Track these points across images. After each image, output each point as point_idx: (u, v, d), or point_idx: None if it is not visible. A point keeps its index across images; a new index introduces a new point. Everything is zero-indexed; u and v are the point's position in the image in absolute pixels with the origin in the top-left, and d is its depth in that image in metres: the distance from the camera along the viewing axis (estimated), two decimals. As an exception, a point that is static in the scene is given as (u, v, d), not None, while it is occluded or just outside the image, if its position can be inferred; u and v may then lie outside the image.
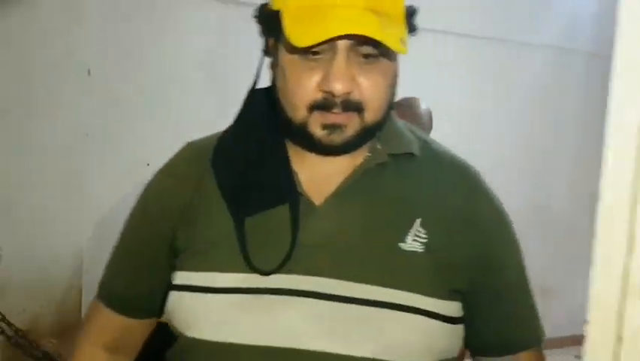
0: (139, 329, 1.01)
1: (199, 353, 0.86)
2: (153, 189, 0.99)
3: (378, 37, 0.76)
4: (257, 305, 0.84)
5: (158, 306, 0.94)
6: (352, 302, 0.83)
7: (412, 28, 0.86)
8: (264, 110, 0.91)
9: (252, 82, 0.92)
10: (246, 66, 1.08)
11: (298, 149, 0.89)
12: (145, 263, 0.97)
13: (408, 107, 1.97)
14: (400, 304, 0.83)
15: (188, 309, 0.87)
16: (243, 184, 0.88)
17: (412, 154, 0.90)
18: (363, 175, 0.88)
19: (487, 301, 0.91)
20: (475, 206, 0.92)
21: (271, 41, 0.87)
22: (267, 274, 0.83)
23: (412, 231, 0.86)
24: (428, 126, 2.08)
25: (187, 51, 2.88)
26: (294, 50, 0.80)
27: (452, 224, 0.89)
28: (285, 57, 0.83)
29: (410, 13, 0.85)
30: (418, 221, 0.87)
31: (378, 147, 0.89)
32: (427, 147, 0.94)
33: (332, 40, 0.78)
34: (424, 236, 0.87)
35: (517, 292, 0.96)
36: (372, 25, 0.77)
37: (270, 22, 0.84)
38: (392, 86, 0.86)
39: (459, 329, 0.89)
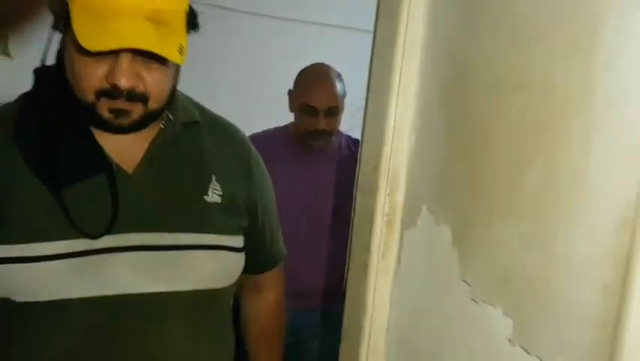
0: None
1: (36, 314, 0.93)
2: None
3: (156, 51, 0.86)
4: (88, 265, 0.93)
5: None
6: (170, 249, 0.98)
7: (193, 27, 0.95)
8: (57, 87, 0.96)
9: (41, 58, 0.98)
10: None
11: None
12: None
13: (320, 72, 2.01)
14: (208, 245, 1.02)
15: (25, 276, 0.91)
16: (53, 158, 0.93)
17: (197, 121, 1.07)
18: (163, 144, 1.01)
19: (255, 233, 1.14)
20: (247, 161, 1.14)
21: (62, 27, 0.93)
22: (96, 237, 0.92)
23: (211, 186, 1.04)
24: (342, 91, 2.04)
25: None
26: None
27: (235, 177, 1.09)
28: (73, 46, 0.89)
29: (191, 18, 0.94)
30: (214, 177, 1.05)
31: (171, 117, 1.01)
32: (204, 113, 1.11)
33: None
34: (219, 189, 1.05)
35: (273, 224, 1.22)
36: (152, 38, 0.86)
37: (59, 8, 0.90)
38: (174, 78, 0.98)
39: (243, 256, 1.11)
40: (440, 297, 0.76)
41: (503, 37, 0.67)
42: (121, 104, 0.93)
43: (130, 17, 0.87)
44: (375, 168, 0.83)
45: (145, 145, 1.01)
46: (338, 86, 2.01)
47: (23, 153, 0.94)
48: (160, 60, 0.91)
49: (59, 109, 0.97)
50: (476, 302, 0.69)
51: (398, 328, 0.83)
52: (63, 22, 0.93)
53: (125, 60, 0.89)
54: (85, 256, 0.94)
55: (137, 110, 0.94)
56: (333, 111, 1.98)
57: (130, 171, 1.00)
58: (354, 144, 2.10)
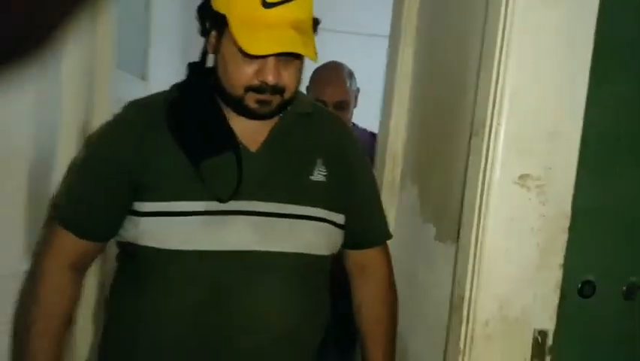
0: (95, 250, 1.20)
1: (172, 260, 1.11)
2: (119, 132, 1.18)
3: (304, 53, 1.05)
4: (216, 223, 1.11)
5: (113, 232, 1.17)
6: (280, 217, 1.14)
7: (315, 32, 1.14)
8: (204, 81, 1.17)
9: (199, 58, 1.17)
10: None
11: (231, 111, 1.16)
12: (104, 197, 1.15)
13: (332, 70, 2.17)
14: (310, 216, 1.16)
15: (165, 228, 1.10)
16: (195, 137, 1.13)
17: (309, 113, 1.22)
18: (279, 130, 1.18)
19: (355, 211, 1.24)
20: (349, 148, 1.27)
21: (214, 33, 1.11)
22: (224, 201, 1.10)
23: (317, 168, 1.20)
24: (354, 85, 2.19)
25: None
26: (234, 46, 1.06)
27: (338, 161, 1.22)
28: (227, 49, 1.08)
29: (315, 26, 1.13)
30: (320, 160, 1.20)
31: (289, 109, 1.18)
32: (315, 106, 1.28)
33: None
34: (324, 171, 1.20)
35: (373, 205, 1.31)
36: (299, 43, 1.05)
37: (216, 20, 1.09)
38: (301, 75, 1.15)
39: (342, 232, 1.23)
40: (412, 233, 1.26)
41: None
42: (266, 97, 1.10)
43: (280, 27, 1.05)
44: (384, 152, 1.32)
45: (266, 130, 1.18)
46: (348, 82, 2.15)
47: (172, 132, 1.13)
48: (296, 59, 1.09)
49: (203, 98, 1.17)
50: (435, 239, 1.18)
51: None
52: (216, 32, 1.11)
53: (272, 61, 1.07)
54: (214, 215, 1.11)
55: (276, 101, 1.11)
56: (342, 105, 2.12)
57: (253, 150, 1.17)
58: (370, 138, 2.23)
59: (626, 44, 1.06)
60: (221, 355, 1.13)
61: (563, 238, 1.03)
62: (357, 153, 1.28)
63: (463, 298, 1.06)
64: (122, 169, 1.13)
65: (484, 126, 1.03)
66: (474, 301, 1.04)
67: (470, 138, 1.08)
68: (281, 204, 1.14)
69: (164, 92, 1.20)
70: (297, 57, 1.09)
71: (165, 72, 2.36)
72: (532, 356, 1.05)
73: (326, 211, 1.18)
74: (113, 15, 1.52)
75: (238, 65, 1.08)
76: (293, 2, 1.07)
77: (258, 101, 1.10)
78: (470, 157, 1.08)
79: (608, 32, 1.03)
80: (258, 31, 1.04)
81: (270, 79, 1.07)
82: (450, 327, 1.12)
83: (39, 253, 1.21)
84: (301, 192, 1.16)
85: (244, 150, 1.14)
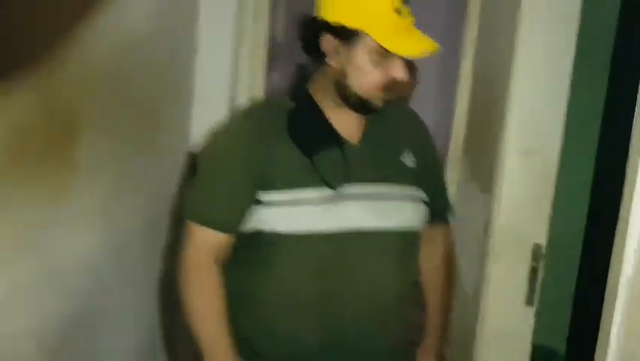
0: (230, 242, 1.29)
1: (294, 241, 1.24)
2: (243, 134, 1.29)
3: (436, 51, 1.20)
4: (330, 207, 1.24)
5: (243, 223, 1.26)
6: (385, 197, 1.29)
7: None
8: (307, 88, 1.30)
9: (301, 72, 1.32)
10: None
11: (332, 107, 1.27)
12: (239, 191, 1.25)
13: None
14: (409, 195, 1.32)
15: (286, 214, 1.23)
16: (308, 137, 1.27)
17: (390, 107, 1.31)
18: (370, 125, 1.33)
19: (432, 190, 1.40)
20: (426, 137, 1.45)
21: (340, 46, 1.21)
22: (335, 188, 1.23)
23: (406, 152, 1.36)
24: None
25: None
26: (367, 52, 1.18)
27: (421, 149, 1.39)
28: (360, 57, 1.20)
29: None
30: (409, 149, 1.36)
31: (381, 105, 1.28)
32: (394, 101, 1.35)
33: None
34: (413, 158, 1.36)
35: (442, 185, 1.52)
36: (434, 43, 1.20)
37: (347, 35, 1.19)
38: None
39: (427, 208, 1.39)
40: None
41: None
42: (391, 94, 1.23)
43: (411, 29, 1.19)
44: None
45: (361, 125, 1.31)
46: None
47: (290, 132, 1.26)
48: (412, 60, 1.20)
49: (311, 106, 1.28)
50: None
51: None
52: (344, 46, 1.20)
53: (402, 60, 1.19)
54: (328, 201, 1.23)
55: (392, 97, 1.25)
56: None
57: (354, 143, 1.29)
58: None
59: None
60: (342, 315, 1.27)
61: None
62: (431, 141, 1.46)
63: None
64: (250, 164, 1.25)
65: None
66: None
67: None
68: (383, 185, 1.29)
69: (283, 99, 1.33)
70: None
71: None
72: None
73: (420, 191, 1.34)
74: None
75: (371, 68, 1.21)
76: (407, 5, 1.21)
77: (385, 101, 1.25)
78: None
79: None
80: (400, 35, 1.18)
81: (400, 75, 1.21)
82: (485, 244, 1.65)
83: (184, 255, 1.27)
84: (400, 176, 1.32)
85: (346, 143, 1.29)
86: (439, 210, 1.46)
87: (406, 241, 1.32)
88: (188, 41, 1.74)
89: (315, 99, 1.29)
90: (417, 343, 1.51)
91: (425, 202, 1.37)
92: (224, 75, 1.80)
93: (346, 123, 1.30)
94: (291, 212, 1.24)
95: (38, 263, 1.13)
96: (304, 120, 1.27)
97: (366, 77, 1.22)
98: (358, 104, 1.26)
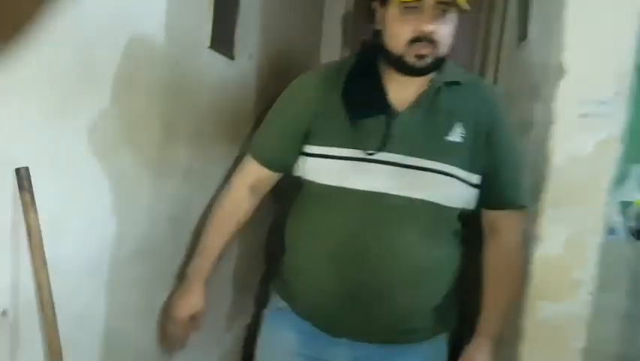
0: (271, 178, 1.45)
1: (326, 192, 1.32)
2: (302, 84, 1.41)
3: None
4: (360, 168, 1.29)
5: (292, 165, 1.39)
6: (417, 169, 1.29)
7: None
8: (372, 54, 1.36)
9: (371, 37, 1.36)
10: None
11: (390, 73, 1.32)
12: (288, 134, 1.38)
13: None
14: (442, 171, 1.29)
15: (324, 167, 1.32)
16: (358, 100, 1.32)
17: (457, 82, 1.34)
18: (426, 95, 1.32)
19: (491, 173, 1.35)
20: (497, 115, 1.36)
21: (379, 9, 1.30)
22: (370, 154, 1.28)
23: (457, 130, 1.31)
24: None
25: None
26: (396, 8, 1.24)
27: (479, 127, 1.32)
28: (390, 16, 1.26)
29: None
30: (461, 124, 1.31)
31: (437, 77, 1.32)
32: (466, 76, 1.38)
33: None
34: (463, 133, 1.31)
35: (513, 172, 1.38)
36: None
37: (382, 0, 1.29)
38: (453, 33, 1.27)
39: (475, 191, 1.35)
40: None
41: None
42: (422, 49, 1.24)
43: None
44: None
45: (414, 94, 1.33)
46: None
47: (343, 93, 1.33)
48: (449, 13, 1.23)
49: (369, 67, 1.35)
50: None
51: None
52: (382, 8, 1.29)
53: (428, 11, 1.22)
54: (359, 162, 1.29)
55: (431, 54, 1.25)
56: None
57: (400, 110, 1.31)
58: None
59: None
60: (362, 268, 1.29)
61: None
62: (504, 121, 1.37)
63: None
64: (305, 113, 1.36)
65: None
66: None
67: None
68: (416, 158, 1.29)
69: (348, 58, 1.43)
70: (449, 12, 1.24)
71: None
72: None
73: (457, 169, 1.30)
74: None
75: (400, 24, 1.25)
76: None
77: (416, 55, 1.25)
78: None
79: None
80: None
81: (426, 27, 1.22)
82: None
83: (232, 175, 1.48)
84: (436, 150, 1.30)
85: (393, 110, 1.31)
86: (501, 194, 1.39)
87: (433, 216, 1.31)
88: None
89: (380, 67, 1.35)
90: (449, 329, 1.44)
91: (467, 182, 1.32)
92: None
93: (401, 90, 1.34)
94: (323, 165, 1.32)
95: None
96: (358, 84, 1.34)
97: (396, 33, 1.26)
98: (398, 64, 1.30)
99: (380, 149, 1.29)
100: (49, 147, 0.97)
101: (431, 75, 1.33)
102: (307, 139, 1.36)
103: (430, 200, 1.29)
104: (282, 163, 1.42)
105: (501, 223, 1.42)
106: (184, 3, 1.34)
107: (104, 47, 1.08)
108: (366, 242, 1.29)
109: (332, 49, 2.78)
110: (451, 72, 1.35)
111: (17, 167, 0.90)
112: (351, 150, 1.30)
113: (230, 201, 1.45)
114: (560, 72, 1.43)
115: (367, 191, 1.29)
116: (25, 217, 0.92)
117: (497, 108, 1.38)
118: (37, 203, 0.93)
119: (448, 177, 1.30)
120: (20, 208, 0.92)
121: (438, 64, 1.30)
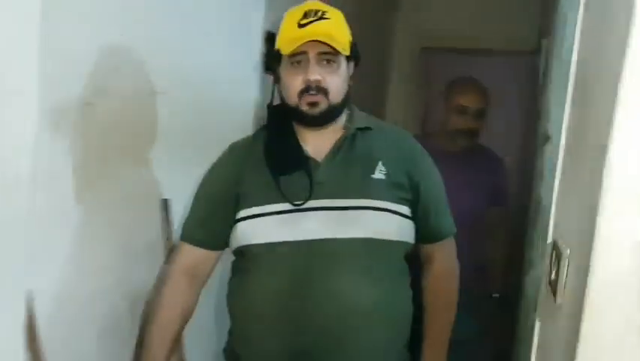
0: (208, 259, 1.46)
1: (259, 252, 1.36)
2: (221, 163, 1.47)
3: (327, 41, 1.29)
4: (290, 220, 1.35)
5: (224, 241, 1.43)
6: (347, 209, 1.35)
7: (356, 57, 1.41)
8: (279, 115, 1.43)
9: (270, 99, 1.44)
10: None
11: (302, 130, 1.40)
12: (214, 212, 1.43)
13: (473, 80, 2.29)
14: (373, 206, 1.36)
15: (254, 227, 1.37)
16: (277, 158, 1.39)
17: (369, 128, 1.44)
18: (342, 142, 1.41)
19: (420, 208, 1.44)
20: (411, 153, 1.47)
21: (277, 67, 1.39)
22: (298, 205, 1.34)
23: (378, 168, 1.40)
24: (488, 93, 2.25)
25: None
26: (287, 63, 1.34)
27: (398, 163, 1.42)
28: (283, 69, 1.37)
29: (353, 47, 1.39)
30: (380, 162, 1.41)
31: (349, 125, 1.42)
32: (376, 122, 1.49)
33: (303, 52, 1.31)
34: (384, 170, 1.40)
35: (438, 204, 1.49)
36: (322, 34, 1.30)
37: (277, 57, 1.38)
38: (344, 81, 1.39)
39: (410, 223, 1.43)
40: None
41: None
42: (312, 97, 1.32)
43: (310, 36, 1.30)
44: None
45: (330, 144, 1.40)
46: (486, 92, 2.23)
47: (264, 155, 1.40)
48: (335, 63, 1.33)
49: (281, 127, 1.42)
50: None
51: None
52: (277, 65, 1.38)
53: (313, 62, 1.31)
54: (290, 213, 1.34)
55: (322, 102, 1.33)
56: (482, 113, 2.19)
57: (319, 160, 1.39)
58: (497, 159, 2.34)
59: None
60: (306, 322, 1.30)
61: None
62: (421, 158, 1.48)
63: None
64: (226, 186, 1.41)
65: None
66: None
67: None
68: (345, 200, 1.35)
69: (257, 131, 1.51)
70: (338, 63, 1.34)
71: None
72: None
73: (387, 202, 1.37)
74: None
75: (291, 77, 1.34)
76: (324, 21, 1.32)
77: (308, 104, 1.34)
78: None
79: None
80: (295, 42, 1.31)
81: (312, 76, 1.32)
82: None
83: (167, 264, 1.48)
84: (364, 188, 1.37)
85: (313, 161, 1.39)
86: (432, 228, 1.49)
87: (372, 253, 1.35)
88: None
89: (293, 124, 1.42)
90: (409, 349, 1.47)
91: (400, 213, 1.39)
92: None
93: (318, 142, 1.41)
94: (256, 224, 1.36)
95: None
96: (274, 143, 1.42)
97: (289, 85, 1.35)
98: (295, 115, 1.38)
99: (308, 198, 1.34)
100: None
101: (342, 124, 1.43)
102: (238, 206, 1.40)
103: (366, 236, 1.34)
104: (216, 237, 1.45)
105: (436, 253, 1.52)
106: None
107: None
108: (306, 294, 1.31)
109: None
110: (360, 119, 1.45)
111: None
112: (280, 204, 1.35)
113: (170, 298, 1.42)
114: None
115: (300, 240, 1.33)
116: None
117: (415, 147, 1.50)
118: None
119: (380, 212, 1.36)
120: None
121: (333, 111, 1.38)
